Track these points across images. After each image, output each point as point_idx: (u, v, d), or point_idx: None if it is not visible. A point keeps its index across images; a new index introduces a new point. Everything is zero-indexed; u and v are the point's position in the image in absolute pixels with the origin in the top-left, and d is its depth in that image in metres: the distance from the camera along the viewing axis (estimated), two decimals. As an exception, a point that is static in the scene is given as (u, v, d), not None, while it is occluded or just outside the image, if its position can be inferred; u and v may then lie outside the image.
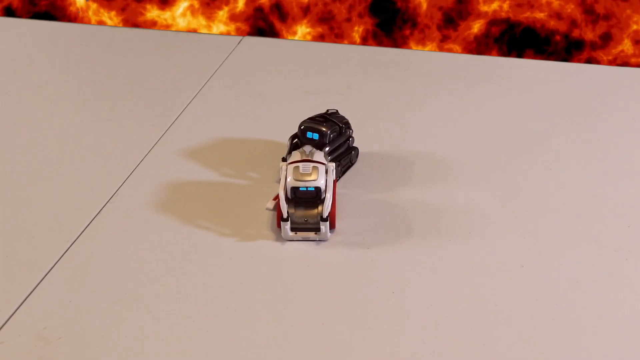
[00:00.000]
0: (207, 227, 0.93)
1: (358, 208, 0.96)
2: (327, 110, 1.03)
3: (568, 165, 1.06)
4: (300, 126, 0.99)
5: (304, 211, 0.90)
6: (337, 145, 1.00)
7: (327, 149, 0.97)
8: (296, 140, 1.00)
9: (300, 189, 0.89)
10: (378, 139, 1.12)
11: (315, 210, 0.90)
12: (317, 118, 1.00)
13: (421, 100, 1.23)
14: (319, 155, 0.93)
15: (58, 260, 0.88)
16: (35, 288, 0.84)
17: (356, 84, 1.28)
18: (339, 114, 1.03)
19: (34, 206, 0.98)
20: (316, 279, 0.85)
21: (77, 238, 0.92)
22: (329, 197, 0.89)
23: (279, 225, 0.90)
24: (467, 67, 1.35)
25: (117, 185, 1.01)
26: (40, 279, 0.85)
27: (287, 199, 0.90)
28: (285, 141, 1.01)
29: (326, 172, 0.91)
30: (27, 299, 0.83)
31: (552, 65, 1.38)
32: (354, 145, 1.04)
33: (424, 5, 1.46)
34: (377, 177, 1.03)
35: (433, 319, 0.79)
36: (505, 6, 1.43)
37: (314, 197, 0.90)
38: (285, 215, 0.89)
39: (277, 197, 0.95)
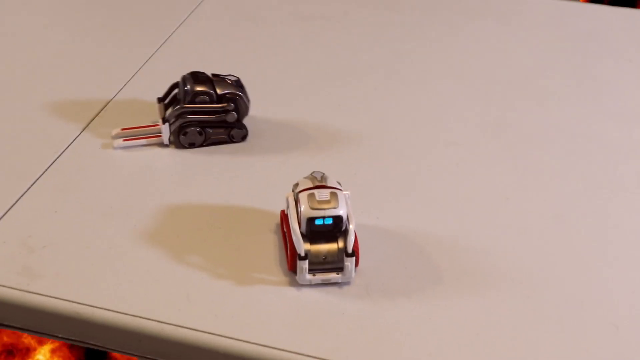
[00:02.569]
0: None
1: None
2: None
3: (561, 103, 1.05)
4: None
5: (323, 246, 0.75)
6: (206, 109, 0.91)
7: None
8: (176, 90, 0.93)
9: (317, 221, 0.74)
10: (371, 66, 1.11)
11: (335, 245, 0.75)
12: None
13: (416, 32, 1.21)
14: (332, 181, 0.78)
15: (45, 171, 0.88)
16: (21, 197, 0.84)
17: (353, 11, 1.26)
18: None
19: (24, 117, 0.97)
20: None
21: (65, 150, 0.91)
22: (352, 228, 0.75)
23: (291, 268, 0.76)
24: (467, 0, 1.33)
25: (107, 99, 1.01)
26: (27, 188, 0.86)
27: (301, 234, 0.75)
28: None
29: (346, 199, 0.76)
30: (13, 207, 0.83)
31: (553, 3, 1.36)
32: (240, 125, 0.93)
33: None
34: (365, 109, 1.02)
35: (416, 244, 0.80)
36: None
37: (331, 230, 0.75)
38: (302, 252, 0.74)
39: (124, 130, 0.90)
